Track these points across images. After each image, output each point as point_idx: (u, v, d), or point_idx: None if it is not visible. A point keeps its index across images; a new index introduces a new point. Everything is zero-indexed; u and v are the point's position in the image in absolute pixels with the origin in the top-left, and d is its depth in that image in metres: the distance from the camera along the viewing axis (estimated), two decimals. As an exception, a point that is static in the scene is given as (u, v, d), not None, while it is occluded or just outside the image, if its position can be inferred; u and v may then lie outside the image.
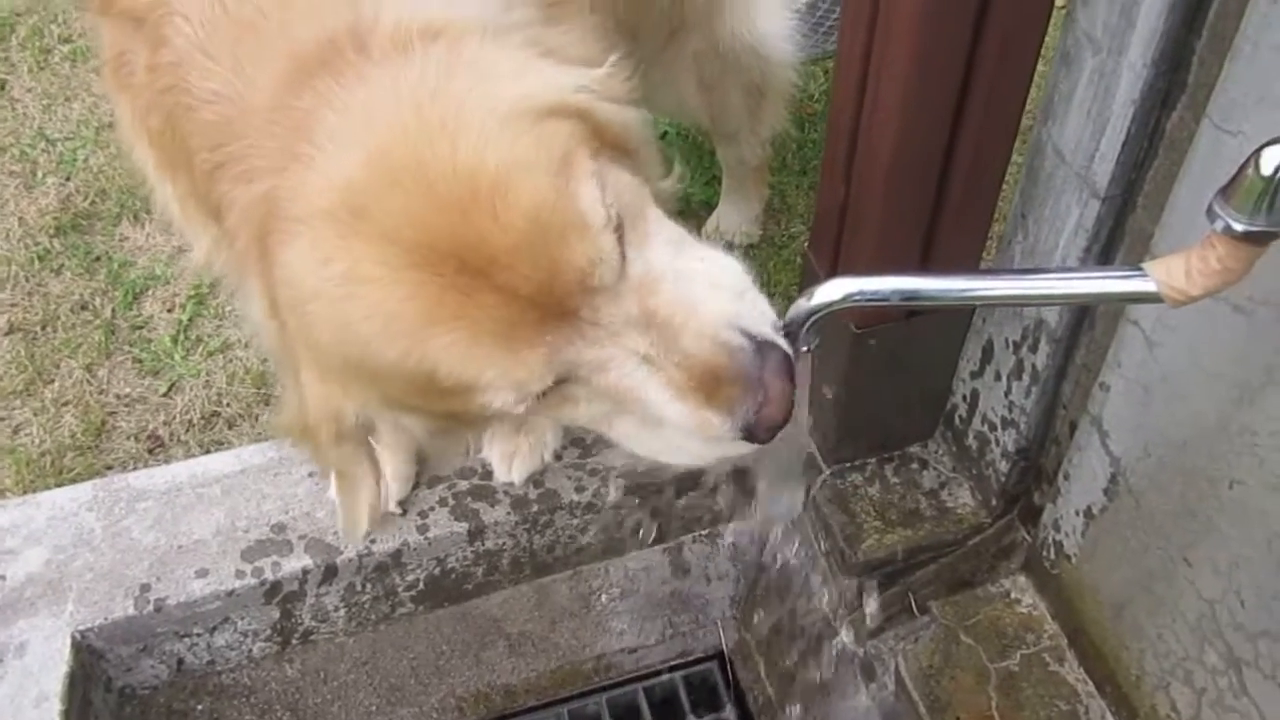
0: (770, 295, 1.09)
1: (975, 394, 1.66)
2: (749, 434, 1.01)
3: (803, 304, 1.07)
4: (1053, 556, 1.62)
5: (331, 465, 1.24)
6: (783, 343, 1.03)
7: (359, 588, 1.74)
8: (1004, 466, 1.64)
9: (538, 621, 1.93)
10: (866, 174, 1.39)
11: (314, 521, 1.71)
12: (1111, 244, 1.33)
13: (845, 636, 1.80)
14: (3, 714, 1.50)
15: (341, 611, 1.77)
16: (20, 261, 2.61)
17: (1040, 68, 1.32)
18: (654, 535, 1.88)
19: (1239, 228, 0.83)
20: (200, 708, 1.76)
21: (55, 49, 3.22)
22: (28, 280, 2.58)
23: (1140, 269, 0.93)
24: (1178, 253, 0.90)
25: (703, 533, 1.95)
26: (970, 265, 1.51)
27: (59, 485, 2.04)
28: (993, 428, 1.64)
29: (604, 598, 1.95)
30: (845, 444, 1.73)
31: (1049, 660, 1.63)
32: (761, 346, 1.01)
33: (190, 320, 2.50)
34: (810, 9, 3.27)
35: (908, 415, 1.76)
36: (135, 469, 2.05)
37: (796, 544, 1.87)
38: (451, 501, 1.76)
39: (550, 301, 0.94)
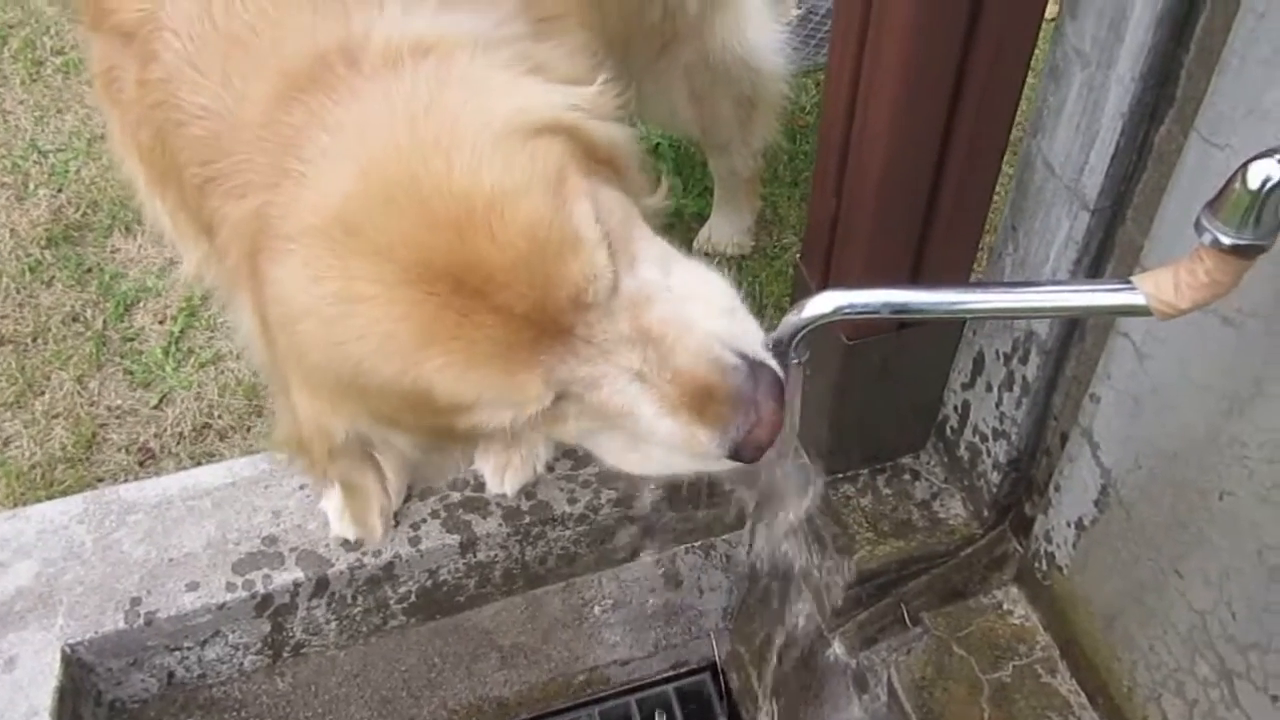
0: (762, 306, 1.10)
1: (966, 405, 1.66)
2: (736, 453, 1.01)
3: (794, 317, 1.07)
4: (1044, 568, 1.62)
5: (335, 479, 1.24)
6: (773, 363, 1.04)
7: (350, 600, 1.73)
8: (995, 478, 1.64)
9: (530, 633, 1.93)
10: (857, 188, 1.39)
11: (305, 534, 1.71)
12: (1101, 256, 1.34)
13: (838, 648, 1.79)
14: (-8, 729, 1.49)
15: (333, 624, 1.76)
16: (11, 273, 2.60)
17: (1030, 80, 1.32)
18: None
19: (1227, 241, 0.83)
20: (191, 721, 1.76)
21: (48, 61, 3.21)
22: (19, 292, 2.57)
23: (1129, 282, 0.93)
24: (1166, 266, 0.91)
25: (696, 544, 1.95)
26: (961, 277, 1.51)
27: (49, 498, 2.03)
28: (984, 439, 1.64)
29: (596, 609, 1.95)
30: (837, 455, 1.73)
31: (1041, 672, 1.63)
32: (754, 366, 1.01)
33: (182, 332, 2.50)
34: (802, 22, 3.29)
35: (899, 426, 1.76)
36: (126, 481, 2.04)
37: (791, 554, 1.87)
38: (443, 513, 1.75)
39: (545, 320, 0.94)
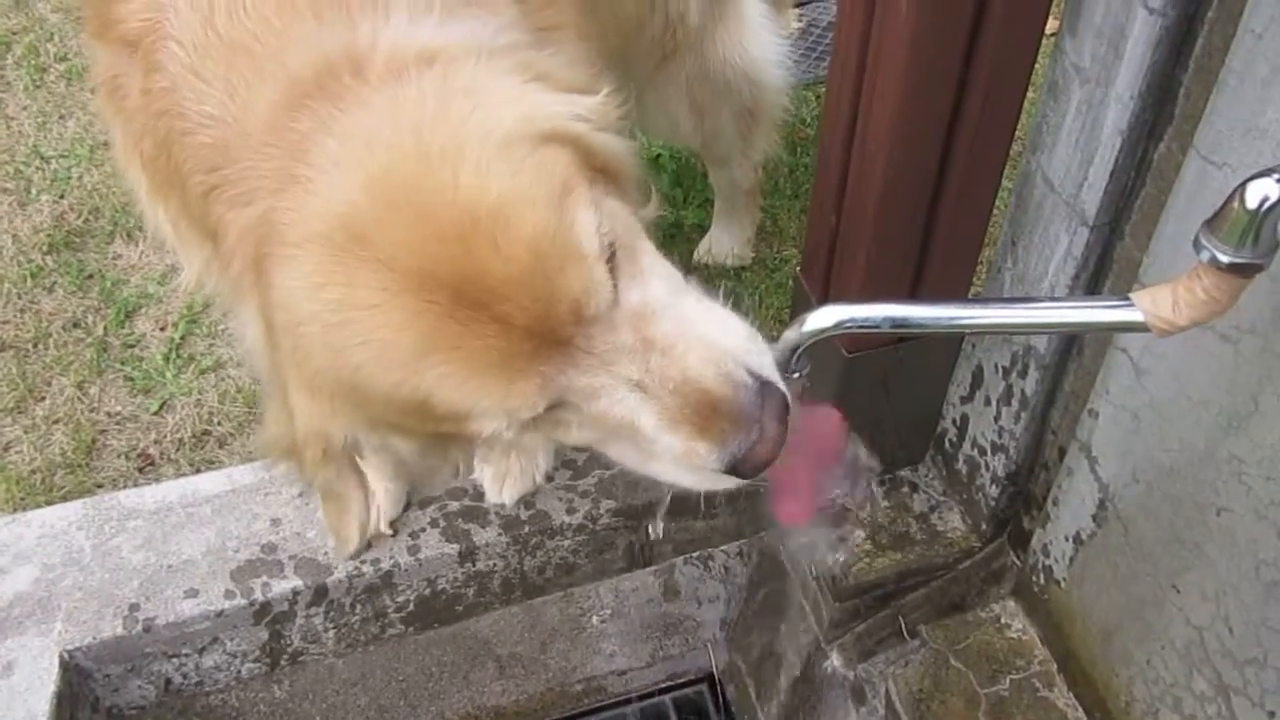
0: (762, 318, 1.10)
1: (965, 419, 1.67)
2: (734, 469, 1.01)
3: (795, 331, 1.08)
4: (1042, 581, 1.62)
5: (318, 485, 1.24)
6: (784, 387, 1.04)
7: (349, 608, 1.74)
8: (994, 491, 1.64)
9: (528, 643, 1.92)
10: (857, 203, 1.40)
11: (304, 542, 1.71)
12: (1100, 271, 1.34)
13: (835, 660, 1.80)
14: (-11, 734, 1.49)
15: (331, 632, 1.76)
16: (13, 279, 2.61)
17: (1030, 96, 1.33)
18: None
19: (1225, 259, 0.84)
20: (187, 729, 1.75)
21: (51, 67, 3.22)
22: (20, 297, 2.57)
23: (1128, 299, 0.93)
24: (1165, 283, 0.91)
25: (694, 555, 1.95)
26: (960, 292, 1.52)
27: (49, 503, 2.03)
28: (982, 452, 1.64)
29: (595, 619, 1.95)
30: (836, 467, 1.73)
31: (1039, 686, 1.63)
32: (764, 387, 1.02)
33: (182, 339, 2.50)
34: (803, 35, 3.30)
35: (898, 439, 1.76)
36: (125, 488, 2.04)
37: (788, 564, 1.87)
38: (442, 522, 1.76)
39: (545, 330, 0.94)
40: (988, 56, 1.23)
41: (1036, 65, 1.29)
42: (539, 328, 0.94)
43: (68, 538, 1.70)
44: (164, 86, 1.11)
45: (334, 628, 1.75)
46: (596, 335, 0.97)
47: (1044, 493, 1.57)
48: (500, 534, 1.75)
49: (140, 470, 2.27)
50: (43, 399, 2.38)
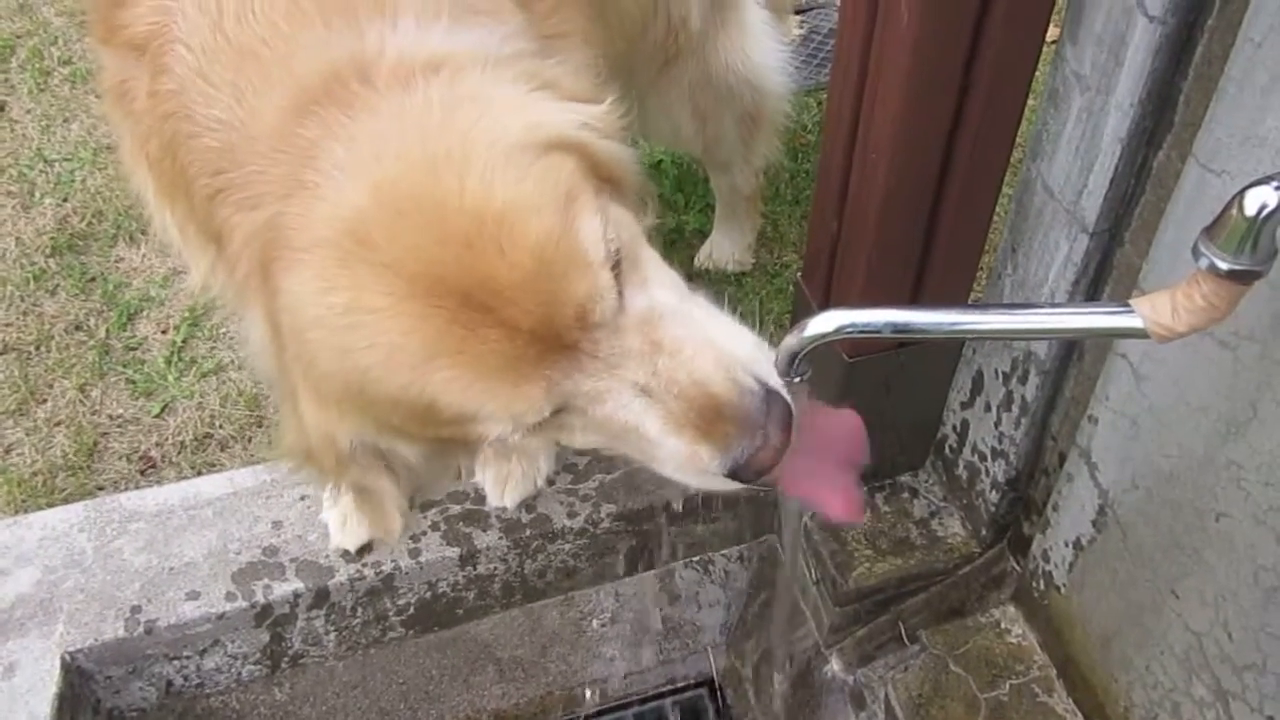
0: (762, 323, 1.11)
1: (965, 424, 1.67)
2: (736, 473, 1.02)
3: (796, 336, 1.08)
4: (1042, 587, 1.63)
5: (347, 487, 1.24)
6: (789, 397, 1.05)
7: (350, 611, 1.74)
8: (994, 496, 1.65)
9: (528, 647, 1.93)
10: (858, 209, 1.40)
11: (306, 545, 1.71)
12: (1100, 278, 1.35)
13: (835, 664, 1.80)
14: (-9, 736, 1.49)
15: (332, 635, 1.76)
16: (16, 281, 2.61)
17: (1030, 103, 1.34)
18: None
19: (1224, 266, 0.84)
20: (188, 731, 1.76)
21: (55, 71, 3.23)
22: (23, 300, 2.58)
23: (1127, 305, 0.94)
24: (1164, 290, 0.91)
25: (695, 559, 1.95)
26: (961, 298, 1.52)
27: (50, 505, 2.03)
28: (983, 458, 1.65)
29: (595, 623, 1.95)
30: (836, 472, 1.73)
31: (1038, 691, 1.63)
32: (770, 394, 1.02)
33: (184, 342, 2.50)
34: (804, 41, 3.31)
35: (899, 444, 1.77)
36: (127, 490, 2.05)
37: (788, 569, 1.88)
38: (443, 526, 1.76)
39: (550, 335, 0.95)
40: (989, 63, 1.24)
41: (1037, 73, 1.30)
42: (544, 332, 0.94)
43: (69, 540, 1.71)
44: (171, 89, 1.12)
45: (335, 630, 1.76)
46: (602, 340, 0.98)
47: (1044, 498, 1.57)
48: (501, 537, 1.75)
49: (142, 473, 2.28)
50: (44, 401, 2.39)
